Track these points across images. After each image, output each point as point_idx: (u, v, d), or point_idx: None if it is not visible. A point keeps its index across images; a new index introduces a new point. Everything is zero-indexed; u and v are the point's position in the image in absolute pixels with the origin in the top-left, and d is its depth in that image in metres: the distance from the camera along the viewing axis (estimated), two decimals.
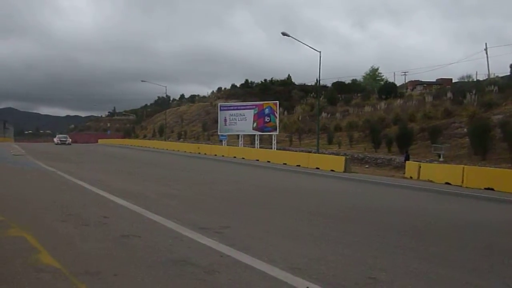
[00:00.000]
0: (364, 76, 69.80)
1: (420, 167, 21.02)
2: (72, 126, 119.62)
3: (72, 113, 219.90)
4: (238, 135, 40.22)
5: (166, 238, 6.11)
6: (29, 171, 16.84)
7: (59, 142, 53.75)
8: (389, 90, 52.44)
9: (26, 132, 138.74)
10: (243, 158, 31.41)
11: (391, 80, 65.56)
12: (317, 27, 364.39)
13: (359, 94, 56.46)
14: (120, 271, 4.59)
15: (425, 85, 62.46)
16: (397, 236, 7.31)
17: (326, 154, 30.74)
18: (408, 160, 25.12)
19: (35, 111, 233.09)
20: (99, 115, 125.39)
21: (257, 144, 37.99)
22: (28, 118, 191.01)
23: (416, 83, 65.07)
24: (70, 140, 57.48)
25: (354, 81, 67.52)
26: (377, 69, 69.66)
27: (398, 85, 61.01)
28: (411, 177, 20.87)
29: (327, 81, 66.42)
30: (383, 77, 68.19)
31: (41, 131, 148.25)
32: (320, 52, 29.56)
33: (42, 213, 7.77)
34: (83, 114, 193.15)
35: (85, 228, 6.65)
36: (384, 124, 38.08)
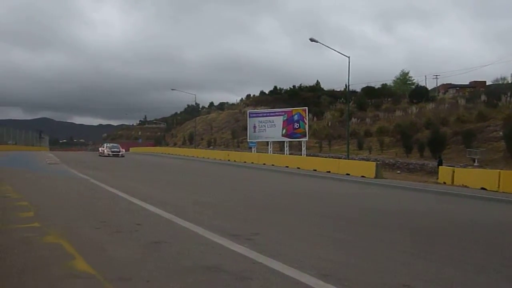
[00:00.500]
0: (394, 80, 68.74)
1: (453, 172, 20.54)
2: (105, 134, 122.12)
3: (104, 122, 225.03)
4: (267, 142, 40.27)
5: (197, 245, 6.15)
6: (64, 179, 17.28)
7: (110, 153, 39.39)
8: (420, 94, 51.58)
9: (61, 141, 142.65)
10: (272, 165, 31.39)
11: (422, 83, 64.47)
12: (345, 32, 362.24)
13: (389, 99, 55.66)
14: (152, 277, 4.64)
15: (457, 88, 61.14)
16: (429, 242, 7.15)
17: (357, 160, 30.40)
18: (441, 165, 24.58)
19: (69, 121, 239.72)
20: (130, 124, 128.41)
21: (286, 150, 37.93)
22: (62, 127, 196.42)
23: (448, 87, 63.77)
24: (123, 150, 42.85)
25: (384, 85, 66.59)
26: (408, 73, 68.55)
27: (429, 88, 59.94)
28: (444, 183, 20.42)
29: (356, 86, 65.94)
30: (413, 81, 67.10)
31: (75, 140, 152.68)
32: (349, 57, 29.32)
33: (77, 220, 7.96)
34: (115, 123, 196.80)
35: (118, 234, 6.77)
36: (415, 129, 37.43)
